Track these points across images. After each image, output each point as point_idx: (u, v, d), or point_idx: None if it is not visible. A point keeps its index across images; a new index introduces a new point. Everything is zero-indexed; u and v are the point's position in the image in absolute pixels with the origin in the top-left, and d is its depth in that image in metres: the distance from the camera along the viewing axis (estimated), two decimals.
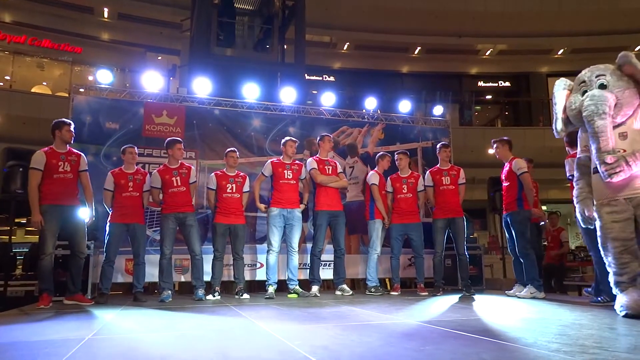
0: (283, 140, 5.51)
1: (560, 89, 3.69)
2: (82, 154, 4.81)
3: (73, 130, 4.67)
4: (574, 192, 3.72)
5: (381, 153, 6.10)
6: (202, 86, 6.44)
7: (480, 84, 19.06)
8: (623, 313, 3.24)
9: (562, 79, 3.75)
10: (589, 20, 15.70)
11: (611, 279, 3.41)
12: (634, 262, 3.29)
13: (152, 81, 6.26)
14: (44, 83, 13.71)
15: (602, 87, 3.40)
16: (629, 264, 3.28)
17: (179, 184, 4.99)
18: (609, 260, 3.40)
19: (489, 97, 19.23)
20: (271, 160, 5.45)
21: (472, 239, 6.69)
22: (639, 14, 15.35)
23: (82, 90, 6.07)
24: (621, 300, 3.29)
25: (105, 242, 4.94)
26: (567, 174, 4.33)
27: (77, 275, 4.60)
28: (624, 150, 3.29)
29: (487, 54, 18.07)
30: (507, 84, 19.13)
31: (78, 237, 4.58)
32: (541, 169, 10.39)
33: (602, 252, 3.45)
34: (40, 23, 14.19)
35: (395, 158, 5.85)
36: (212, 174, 5.29)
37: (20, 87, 12.49)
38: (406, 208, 5.70)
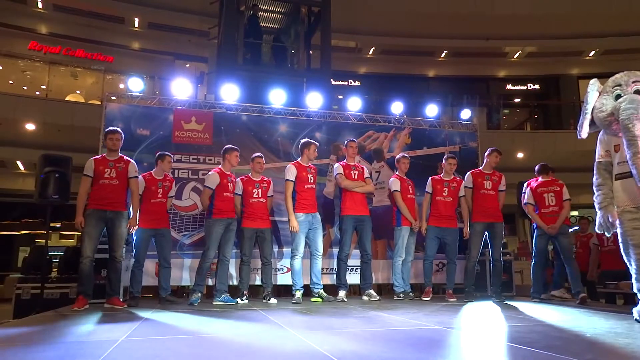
0: (305, 141, 5.47)
1: (595, 90, 3.61)
2: (133, 161, 4.98)
3: (115, 138, 4.83)
4: (597, 198, 3.62)
5: (399, 156, 6.03)
6: (230, 93, 6.53)
7: (509, 87, 18.72)
8: (636, 318, 3.30)
9: (596, 79, 3.66)
10: (620, 20, 15.25)
11: (634, 284, 3.39)
12: None
13: (181, 88, 6.39)
14: (78, 92, 14.13)
15: (638, 93, 3.32)
16: None
17: (231, 189, 5.21)
18: (633, 267, 3.36)
19: (517, 100, 18.87)
20: (292, 163, 5.40)
21: (502, 244, 6.53)
22: None
23: (114, 98, 6.24)
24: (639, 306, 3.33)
25: (135, 246, 5.11)
26: None
27: (114, 279, 4.73)
28: None
29: (515, 56, 17.74)
30: (537, 86, 18.72)
31: (116, 242, 4.70)
32: (572, 173, 10.14)
33: (624, 258, 3.42)
34: (73, 33, 14.66)
35: (444, 162, 5.81)
36: (238, 179, 5.34)
37: (55, 95, 12.90)
38: (445, 212, 5.64)
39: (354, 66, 17.56)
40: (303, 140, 5.54)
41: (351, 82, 17.91)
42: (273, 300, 5.19)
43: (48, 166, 5.63)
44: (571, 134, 14.41)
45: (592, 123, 3.57)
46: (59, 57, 14.19)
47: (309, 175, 5.34)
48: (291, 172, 5.29)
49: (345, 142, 5.73)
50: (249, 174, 5.40)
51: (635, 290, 3.38)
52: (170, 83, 6.56)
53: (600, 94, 3.55)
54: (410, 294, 5.63)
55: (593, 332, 3.00)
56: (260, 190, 5.31)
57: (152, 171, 5.29)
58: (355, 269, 5.93)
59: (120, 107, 6.11)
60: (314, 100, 6.84)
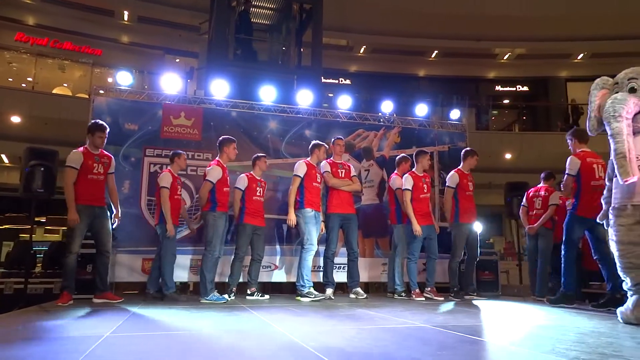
0: (315, 142, 5.53)
1: (599, 88, 3.66)
2: (112, 157, 4.93)
3: (105, 137, 4.76)
4: (604, 193, 3.76)
5: (402, 155, 6.03)
6: (220, 88, 6.49)
7: (498, 88, 18.86)
8: (619, 317, 3.38)
9: (603, 77, 3.71)
10: (609, 24, 15.43)
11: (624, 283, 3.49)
12: (637, 268, 3.34)
13: (171, 83, 6.33)
14: (65, 84, 13.95)
15: (632, 90, 3.37)
16: (632, 269, 3.35)
17: (228, 183, 5.19)
18: (617, 264, 3.46)
19: (506, 101, 19.02)
20: (303, 161, 5.40)
21: (488, 244, 6.60)
22: None
23: (102, 91, 6.17)
24: (624, 305, 3.41)
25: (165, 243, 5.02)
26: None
27: (105, 274, 4.69)
28: (637, 157, 3.25)
29: (505, 58, 17.88)
30: (525, 88, 18.89)
31: (105, 237, 4.67)
32: (559, 175, 10.24)
33: (614, 255, 3.51)
34: (61, 26, 14.47)
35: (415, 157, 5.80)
36: (243, 174, 5.33)
37: (42, 88, 12.72)
38: (426, 209, 5.66)
39: (344, 64, 17.57)
40: (314, 142, 5.57)
41: (342, 80, 17.92)
42: (266, 296, 5.18)
43: (33, 159, 5.54)
44: (558, 136, 14.54)
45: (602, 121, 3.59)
46: (46, 49, 14.00)
47: (317, 174, 5.39)
48: (302, 169, 5.30)
49: (333, 139, 5.70)
50: (251, 172, 5.38)
51: (608, 290, 3.47)
52: (160, 78, 6.50)
53: (608, 92, 3.59)
54: (403, 293, 5.62)
55: (577, 331, 3.04)
56: (261, 189, 5.36)
57: (170, 169, 5.20)
58: (342, 267, 5.93)
59: (108, 101, 6.04)
60: (305, 98, 6.83)
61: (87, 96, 10.68)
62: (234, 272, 5.20)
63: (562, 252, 4.76)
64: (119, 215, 4.93)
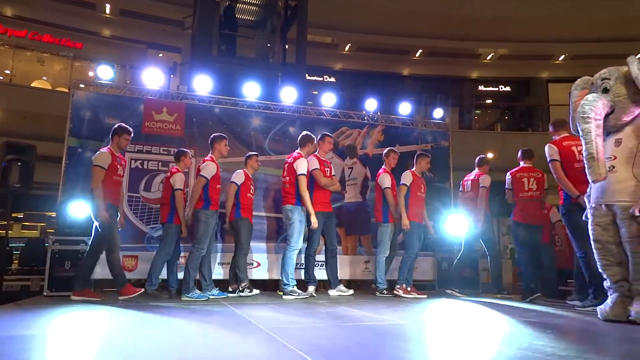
0: (321, 134, 5.55)
1: (579, 88, 3.73)
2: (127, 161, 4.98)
3: (130, 139, 4.80)
4: (587, 191, 3.77)
5: (388, 149, 5.97)
6: (203, 84, 6.42)
7: (481, 88, 19.07)
8: (598, 314, 3.44)
9: (583, 77, 3.77)
10: (590, 26, 15.71)
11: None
12: (614, 266, 3.41)
13: (153, 78, 6.24)
14: (44, 78, 13.68)
15: (605, 91, 3.42)
16: (610, 267, 3.42)
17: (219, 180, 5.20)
18: (597, 262, 3.53)
19: (489, 101, 19.25)
20: (313, 155, 5.39)
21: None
22: None
23: (82, 85, 6.05)
24: (604, 303, 3.47)
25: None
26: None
27: (118, 268, 4.71)
28: (615, 158, 3.32)
29: (488, 58, 18.08)
30: (508, 88, 19.14)
31: (116, 234, 4.73)
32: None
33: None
34: (41, 17, 14.17)
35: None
36: (240, 170, 5.33)
37: (20, 81, 12.46)
38: (421, 208, 5.70)
39: (329, 62, 17.57)
40: (306, 133, 5.54)
41: (326, 78, 17.92)
42: (256, 291, 5.17)
43: (10, 154, 5.44)
44: (539, 136, 14.78)
45: None
46: (24, 41, 13.68)
47: (326, 169, 5.39)
48: (314, 163, 5.30)
49: (321, 135, 5.61)
50: (245, 169, 5.38)
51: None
52: (142, 72, 6.41)
53: (588, 91, 3.65)
54: (384, 291, 5.62)
55: (555, 328, 3.09)
56: (253, 187, 5.41)
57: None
58: (322, 264, 5.88)
59: (89, 95, 5.93)
60: (289, 95, 6.80)
61: (66, 90, 10.51)
62: (242, 267, 5.17)
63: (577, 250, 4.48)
64: (124, 221, 4.99)
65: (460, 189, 6.17)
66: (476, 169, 6.06)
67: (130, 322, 3.31)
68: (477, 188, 5.83)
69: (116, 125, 4.77)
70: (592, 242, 3.53)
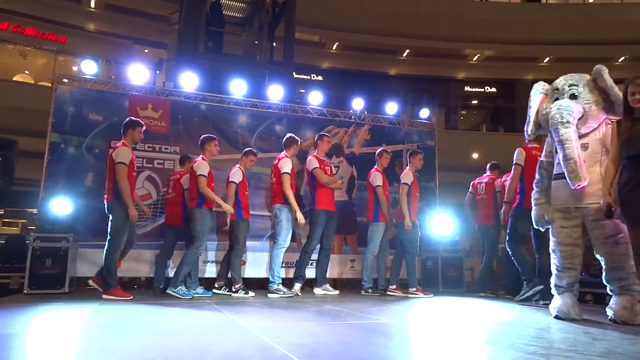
0: (319, 134, 5.61)
1: (538, 93, 3.74)
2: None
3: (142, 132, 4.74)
4: (534, 195, 3.80)
5: (381, 149, 5.99)
6: (189, 81, 6.36)
7: (467, 88, 19.25)
8: (554, 314, 3.46)
9: (541, 82, 3.79)
10: (575, 30, 15.95)
11: (552, 280, 3.60)
12: (575, 269, 3.49)
13: (138, 74, 6.17)
14: (27, 72, 13.45)
15: (573, 97, 3.47)
16: (570, 270, 3.49)
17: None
18: (555, 263, 3.57)
19: (474, 102, 19.43)
20: (312, 155, 5.44)
21: (454, 241, 6.71)
22: (623, 26, 15.64)
23: (65, 80, 5.95)
24: (556, 302, 3.51)
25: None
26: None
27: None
28: (584, 161, 3.36)
29: (474, 59, 18.25)
30: (493, 89, 19.35)
31: (134, 232, 4.81)
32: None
33: (552, 255, 3.61)
34: (24, 10, 13.90)
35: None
36: (237, 168, 5.27)
37: (2, 75, 12.24)
38: (416, 207, 5.75)
39: (317, 60, 17.57)
40: (291, 135, 5.54)
41: (313, 77, 17.92)
42: (251, 293, 5.08)
43: None
44: (523, 137, 15.00)
45: (541, 125, 3.69)
46: (6, 35, 13.42)
47: (326, 167, 5.41)
48: (314, 163, 5.33)
49: (319, 135, 5.65)
50: (239, 165, 5.33)
51: (552, 285, 3.58)
52: (127, 68, 6.32)
53: (546, 97, 3.68)
54: (369, 290, 5.61)
55: (535, 327, 3.13)
56: (247, 186, 5.37)
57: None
58: (311, 262, 5.89)
59: (72, 90, 5.84)
60: (275, 93, 6.78)
61: (49, 84, 10.35)
62: (237, 268, 5.13)
63: (510, 248, 5.03)
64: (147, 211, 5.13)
65: (471, 190, 6.28)
66: (488, 172, 6.27)
67: (113, 321, 3.27)
68: (492, 191, 6.03)
69: (127, 120, 4.73)
70: (556, 246, 3.55)
